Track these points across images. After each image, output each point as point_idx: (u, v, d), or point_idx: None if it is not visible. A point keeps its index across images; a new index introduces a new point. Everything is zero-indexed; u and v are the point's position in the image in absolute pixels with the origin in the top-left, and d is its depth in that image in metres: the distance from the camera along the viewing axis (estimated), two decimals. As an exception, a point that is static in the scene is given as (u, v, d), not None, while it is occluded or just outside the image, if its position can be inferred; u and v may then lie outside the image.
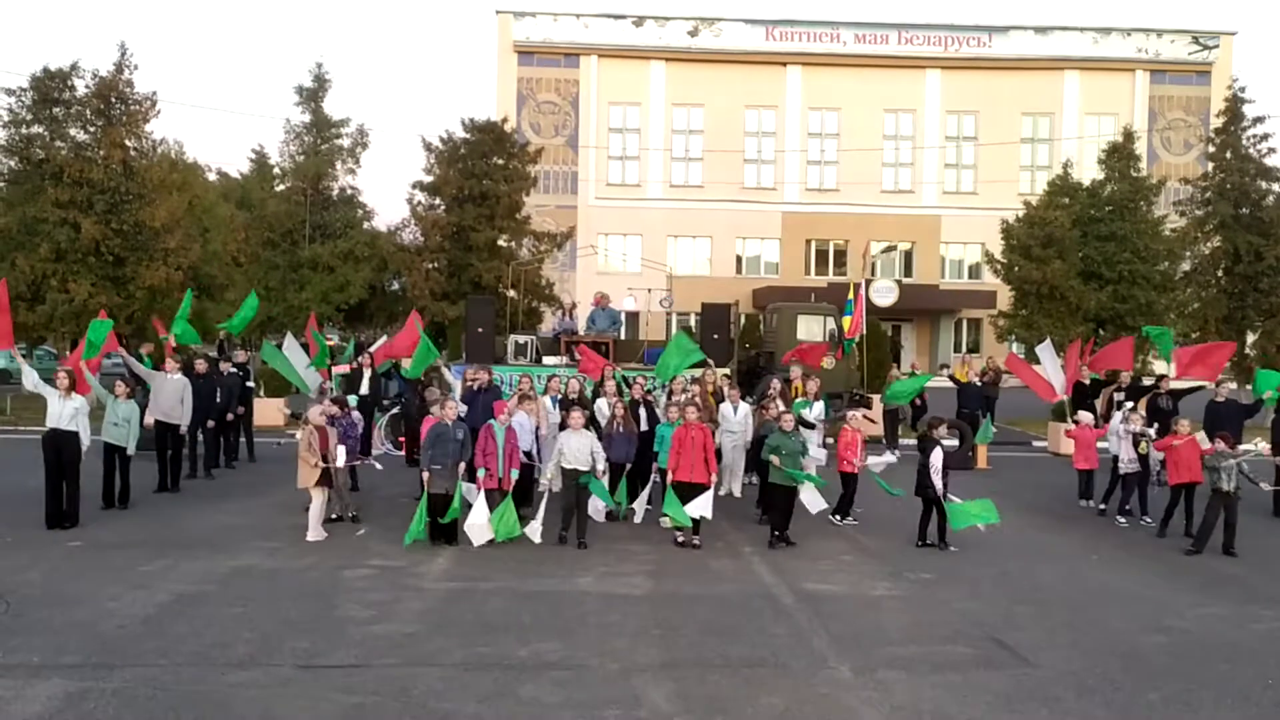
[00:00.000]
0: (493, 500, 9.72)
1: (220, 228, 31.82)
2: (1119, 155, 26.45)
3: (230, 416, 14.54)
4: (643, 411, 11.85)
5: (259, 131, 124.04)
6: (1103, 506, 12.65)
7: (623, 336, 17.29)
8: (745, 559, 9.67)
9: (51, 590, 7.89)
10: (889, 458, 11.08)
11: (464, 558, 9.31)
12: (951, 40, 42.79)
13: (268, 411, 18.84)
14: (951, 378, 18.44)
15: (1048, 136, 43.31)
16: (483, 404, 11.15)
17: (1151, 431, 12.10)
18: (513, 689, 5.99)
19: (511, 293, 24.08)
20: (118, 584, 8.06)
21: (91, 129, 24.04)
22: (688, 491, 9.82)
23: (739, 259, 43.61)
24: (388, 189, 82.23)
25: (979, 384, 18.09)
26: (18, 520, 10.31)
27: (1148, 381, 15.87)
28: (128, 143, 23.94)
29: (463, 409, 10.48)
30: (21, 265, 22.44)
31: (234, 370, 14.98)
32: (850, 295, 18.93)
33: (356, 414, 12.18)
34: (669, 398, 12.00)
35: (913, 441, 13.82)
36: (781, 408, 11.05)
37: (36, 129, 23.90)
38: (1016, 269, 25.28)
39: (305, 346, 15.43)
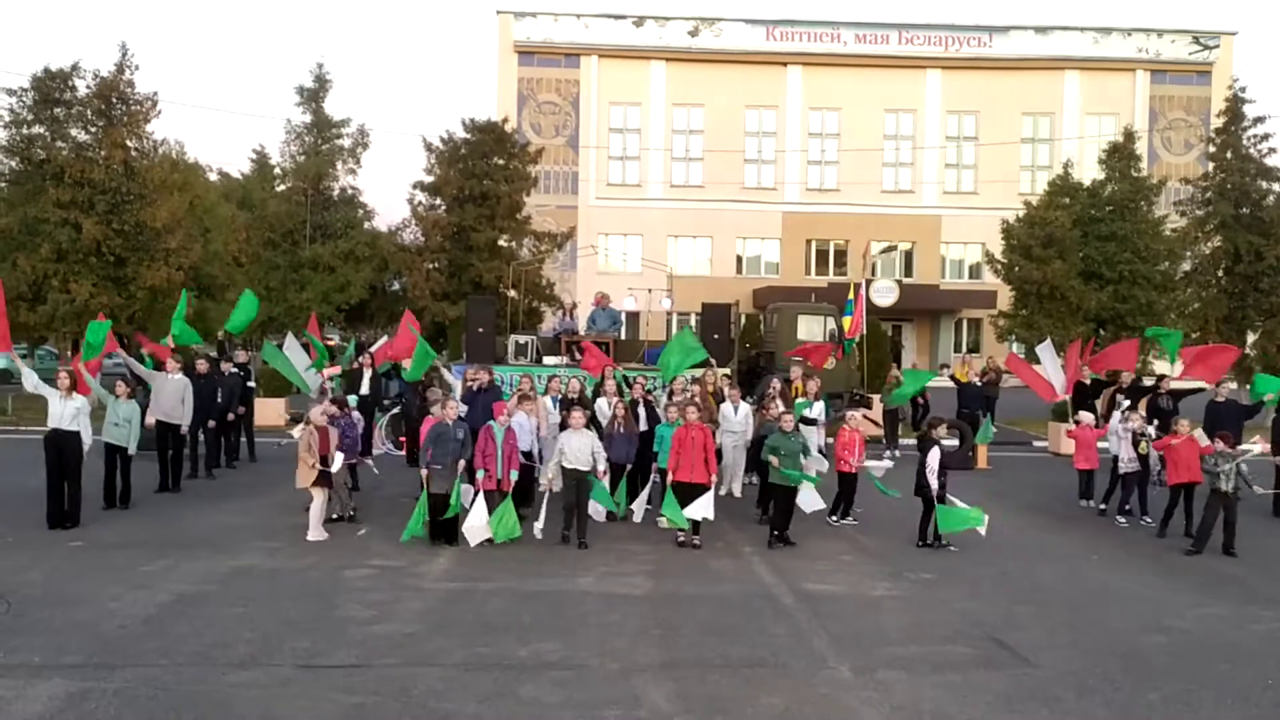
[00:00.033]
0: (492, 501, 9.71)
1: (221, 228, 31.85)
2: (1119, 155, 26.48)
3: (231, 416, 14.56)
4: (641, 410, 11.85)
5: (260, 132, 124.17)
6: (1103, 507, 12.65)
7: (623, 336, 17.31)
8: (745, 559, 9.67)
9: (53, 590, 7.90)
10: (886, 463, 11.08)
11: (464, 558, 9.32)
12: (952, 40, 42.78)
13: (268, 412, 18.84)
14: (952, 378, 18.46)
15: (1048, 136, 43.29)
16: (482, 404, 11.15)
17: (1151, 430, 12.10)
18: (513, 689, 6.00)
19: (512, 293, 24.08)
20: (119, 584, 8.07)
21: (93, 129, 24.06)
22: (688, 492, 9.83)
23: (739, 259, 43.60)
24: (388, 189, 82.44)
25: (979, 384, 18.10)
26: (19, 520, 10.32)
27: (1148, 382, 15.87)
28: (129, 143, 23.95)
29: (463, 409, 10.48)
30: (23, 265, 22.47)
31: (235, 370, 15.00)
32: (850, 295, 18.92)
33: (356, 414, 12.20)
34: (669, 398, 12.01)
35: (913, 441, 13.83)
36: (781, 408, 11.06)
37: (38, 129, 23.92)
38: (1017, 269, 25.30)
39: (306, 348, 15.44)
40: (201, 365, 14.00)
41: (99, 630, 6.90)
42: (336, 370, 14.72)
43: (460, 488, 9.74)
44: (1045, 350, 16.77)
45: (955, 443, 15.32)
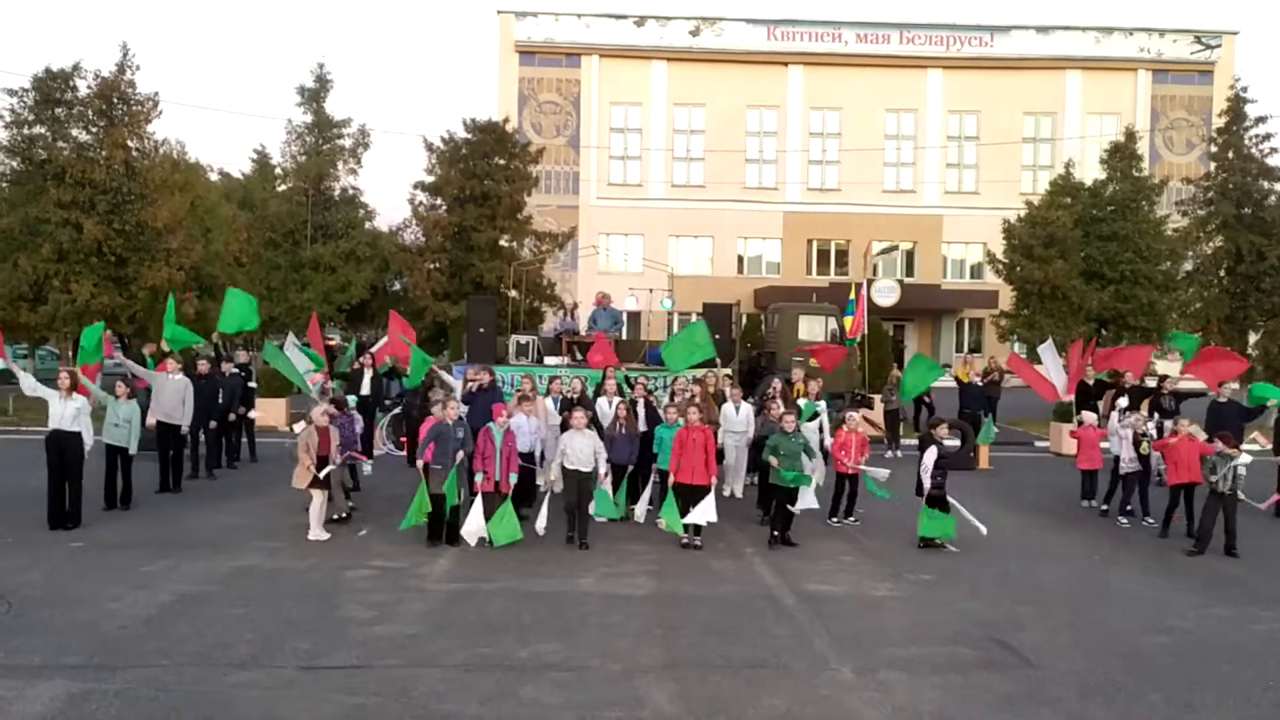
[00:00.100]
0: (490, 503, 9.69)
1: (222, 228, 31.83)
2: (1121, 155, 26.44)
3: (233, 417, 14.56)
4: (641, 410, 11.83)
5: (261, 132, 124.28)
6: (1104, 507, 12.64)
7: (624, 336, 17.32)
8: (747, 560, 9.67)
9: (53, 591, 7.91)
10: (884, 471, 11.05)
11: (465, 559, 9.32)
12: (953, 40, 42.74)
13: (268, 412, 18.82)
14: (954, 377, 18.44)
15: (1049, 136, 43.25)
16: (482, 405, 11.13)
17: (1151, 429, 12.09)
18: (514, 690, 5.99)
19: (513, 293, 24.09)
20: (119, 584, 8.07)
21: (94, 129, 24.04)
22: (688, 493, 9.82)
23: (740, 259, 43.57)
24: (389, 189, 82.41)
25: (981, 384, 18.08)
26: (20, 520, 10.32)
27: (1150, 383, 15.85)
28: (130, 143, 23.93)
29: (463, 409, 10.47)
30: (24, 266, 22.46)
31: (236, 371, 15.01)
32: (852, 295, 18.92)
33: (356, 414, 12.19)
34: (671, 399, 12.00)
35: (914, 441, 13.82)
36: (782, 408, 11.05)
37: (39, 129, 23.89)
38: (1018, 269, 25.27)
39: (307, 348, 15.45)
40: (202, 365, 14.03)
41: (100, 631, 6.90)
42: (319, 378, 14.52)
43: (455, 480, 9.63)
44: (1047, 350, 16.77)
45: (957, 443, 15.31)
